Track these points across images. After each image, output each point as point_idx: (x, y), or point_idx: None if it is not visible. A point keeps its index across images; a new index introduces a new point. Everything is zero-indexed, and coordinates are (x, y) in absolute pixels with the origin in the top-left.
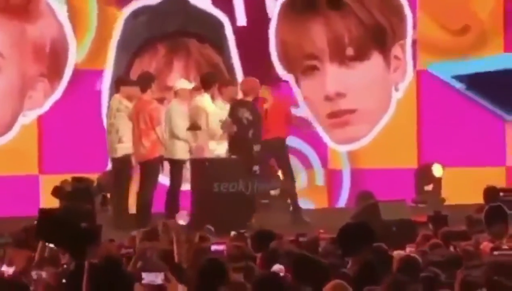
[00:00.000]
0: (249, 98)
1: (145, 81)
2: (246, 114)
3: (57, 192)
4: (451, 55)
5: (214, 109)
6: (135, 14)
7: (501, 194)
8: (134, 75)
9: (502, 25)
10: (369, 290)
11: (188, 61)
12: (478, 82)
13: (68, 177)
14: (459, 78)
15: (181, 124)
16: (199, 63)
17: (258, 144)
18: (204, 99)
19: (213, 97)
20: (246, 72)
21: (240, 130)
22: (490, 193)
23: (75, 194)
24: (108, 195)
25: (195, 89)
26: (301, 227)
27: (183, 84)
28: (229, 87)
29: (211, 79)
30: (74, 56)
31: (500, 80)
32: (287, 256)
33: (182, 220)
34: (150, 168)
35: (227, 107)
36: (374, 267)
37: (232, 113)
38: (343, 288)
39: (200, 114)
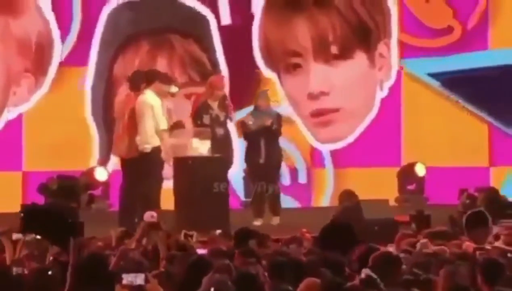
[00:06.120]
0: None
1: (137, 80)
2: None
3: (43, 189)
4: (434, 54)
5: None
6: (119, 9)
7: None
8: (117, 71)
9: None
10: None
11: (172, 57)
12: (455, 80)
13: (51, 174)
14: (435, 75)
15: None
16: (183, 59)
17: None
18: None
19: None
20: (230, 68)
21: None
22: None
23: (61, 192)
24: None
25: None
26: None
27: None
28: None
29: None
30: (59, 52)
31: (478, 78)
32: (265, 256)
33: (150, 219)
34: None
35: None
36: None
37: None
38: (317, 286)
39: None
